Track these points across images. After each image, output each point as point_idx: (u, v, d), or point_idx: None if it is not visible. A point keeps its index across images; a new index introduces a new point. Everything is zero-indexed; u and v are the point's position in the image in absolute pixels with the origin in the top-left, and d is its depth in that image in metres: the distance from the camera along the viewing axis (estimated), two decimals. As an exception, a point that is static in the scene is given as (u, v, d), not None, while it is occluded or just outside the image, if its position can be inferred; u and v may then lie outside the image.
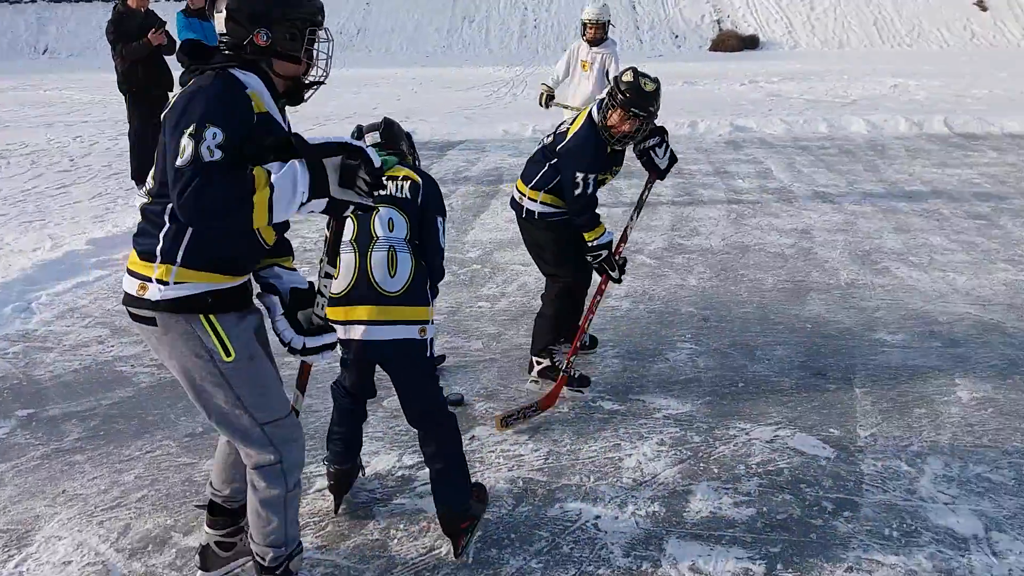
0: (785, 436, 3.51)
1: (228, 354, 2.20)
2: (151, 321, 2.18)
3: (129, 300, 2.23)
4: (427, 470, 2.90)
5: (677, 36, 25.46)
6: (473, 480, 2.97)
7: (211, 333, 2.19)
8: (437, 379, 2.95)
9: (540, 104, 7.13)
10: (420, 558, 2.78)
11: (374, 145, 2.95)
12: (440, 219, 2.93)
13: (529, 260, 4.33)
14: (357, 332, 2.72)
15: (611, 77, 5.90)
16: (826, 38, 24.72)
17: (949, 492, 3.08)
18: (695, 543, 2.83)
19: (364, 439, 3.19)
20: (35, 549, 2.87)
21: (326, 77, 2.35)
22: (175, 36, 8.38)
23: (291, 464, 2.36)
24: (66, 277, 5.58)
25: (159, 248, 2.15)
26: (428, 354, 2.84)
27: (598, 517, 2.99)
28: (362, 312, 2.72)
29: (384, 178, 2.68)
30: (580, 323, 3.99)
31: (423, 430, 2.86)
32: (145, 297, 2.17)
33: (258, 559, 2.44)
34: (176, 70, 10.29)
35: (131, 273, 2.23)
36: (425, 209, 2.88)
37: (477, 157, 9.90)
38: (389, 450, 3.44)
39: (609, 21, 6.99)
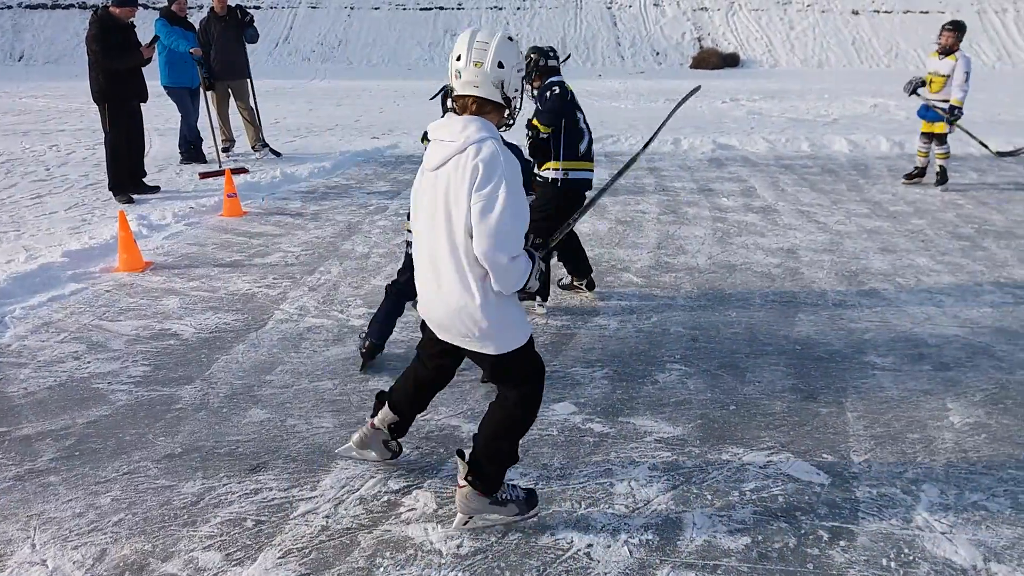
0: (779, 461, 3.46)
1: None
2: None
3: None
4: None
5: (658, 53, 25.63)
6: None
7: None
8: None
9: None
10: (408, 589, 2.70)
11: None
12: None
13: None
14: None
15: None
16: (805, 57, 24.98)
17: (946, 520, 3.04)
18: (690, 573, 2.77)
19: (344, 463, 3.21)
20: (8, 575, 2.76)
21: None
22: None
23: None
24: (41, 290, 5.44)
25: None
26: None
27: (590, 546, 2.91)
28: None
29: None
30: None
31: None
32: None
33: None
34: (152, 80, 9.97)
35: None
36: None
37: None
38: (374, 474, 3.35)
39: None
